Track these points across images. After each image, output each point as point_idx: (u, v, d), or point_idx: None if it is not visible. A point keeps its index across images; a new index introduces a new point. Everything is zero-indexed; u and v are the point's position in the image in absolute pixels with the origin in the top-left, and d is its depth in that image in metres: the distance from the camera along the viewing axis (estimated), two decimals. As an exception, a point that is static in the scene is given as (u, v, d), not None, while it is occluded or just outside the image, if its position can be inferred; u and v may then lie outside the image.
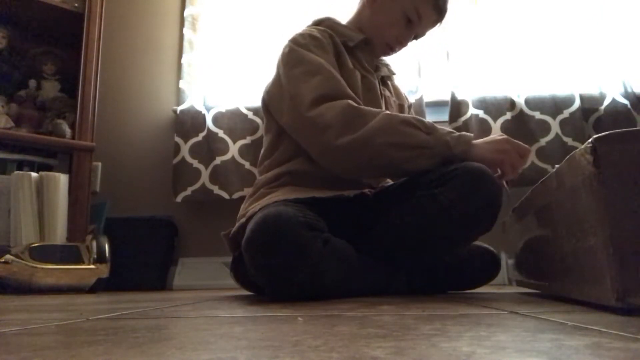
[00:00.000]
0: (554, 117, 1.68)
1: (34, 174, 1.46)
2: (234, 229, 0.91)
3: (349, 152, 0.86)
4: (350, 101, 0.90)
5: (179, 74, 1.91)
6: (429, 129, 0.86)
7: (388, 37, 1.07)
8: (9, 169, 1.55)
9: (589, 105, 1.70)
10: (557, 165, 0.60)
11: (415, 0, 1.03)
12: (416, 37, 1.10)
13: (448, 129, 0.88)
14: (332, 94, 0.90)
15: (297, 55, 0.96)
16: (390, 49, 1.10)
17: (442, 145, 0.84)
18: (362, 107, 0.89)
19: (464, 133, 0.87)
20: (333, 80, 0.93)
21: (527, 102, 1.71)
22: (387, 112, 0.89)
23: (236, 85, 1.86)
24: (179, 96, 1.86)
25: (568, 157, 0.53)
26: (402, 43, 1.09)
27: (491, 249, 1.00)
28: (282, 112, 0.97)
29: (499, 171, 0.86)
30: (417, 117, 0.90)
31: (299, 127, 0.93)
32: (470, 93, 1.73)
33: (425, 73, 1.78)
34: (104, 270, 1.40)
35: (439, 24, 1.09)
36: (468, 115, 1.70)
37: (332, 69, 0.95)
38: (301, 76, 0.93)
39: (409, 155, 0.85)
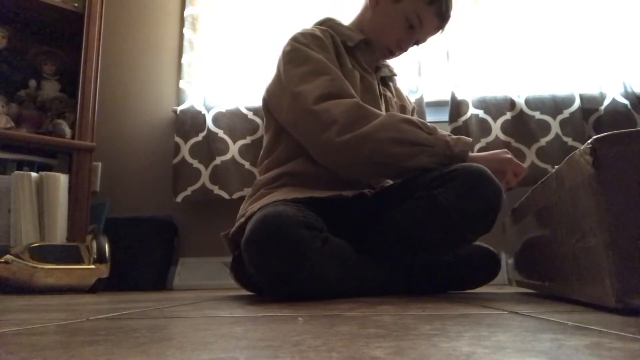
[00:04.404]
0: (554, 117, 1.68)
1: (34, 174, 1.46)
2: (233, 229, 0.92)
3: (349, 148, 0.86)
4: (358, 100, 0.90)
5: (179, 74, 1.91)
6: (430, 129, 0.88)
7: (388, 41, 1.07)
8: (9, 169, 1.55)
9: (589, 105, 1.70)
10: (556, 166, 0.60)
11: (417, 5, 1.02)
12: (417, 43, 1.10)
13: (447, 132, 0.91)
14: (338, 93, 0.91)
15: (301, 54, 0.96)
16: (390, 53, 1.09)
17: (443, 145, 0.86)
18: (369, 107, 0.90)
19: (462, 136, 0.89)
20: (340, 81, 0.93)
21: (527, 102, 1.71)
22: (390, 112, 0.89)
23: (236, 85, 1.86)
24: (179, 96, 1.86)
25: (567, 157, 0.53)
26: (402, 48, 1.09)
27: (491, 249, 1.00)
28: (282, 108, 0.97)
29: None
30: (419, 119, 0.91)
31: (301, 121, 0.92)
32: (470, 93, 1.73)
33: (425, 73, 1.78)
34: (104, 270, 1.40)
35: (441, 31, 1.09)
36: (468, 115, 1.70)
37: (337, 70, 0.95)
38: (306, 75, 0.93)
39: (410, 152, 0.85)
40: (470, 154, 0.88)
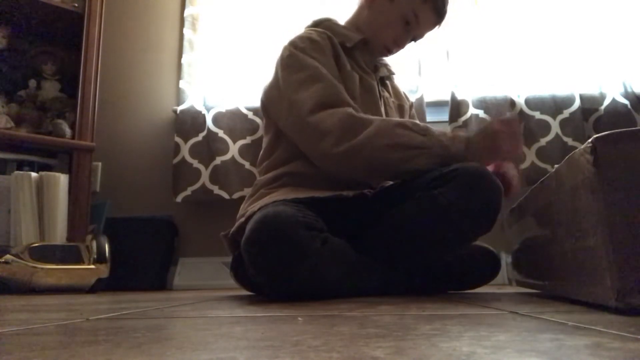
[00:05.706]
0: (554, 117, 1.68)
1: (34, 174, 1.46)
2: (233, 229, 0.92)
3: (346, 158, 0.87)
4: (350, 109, 0.90)
5: (179, 74, 1.91)
6: (424, 130, 0.87)
7: (385, 39, 1.07)
8: (9, 169, 1.55)
9: (589, 105, 1.70)
10: (556, 165, 0.60)
11: (413, 2, 1.02)
12: (414, 39, 1.10)
13: (441, 129, 0.90)
14: (332, 102, 0.91)
15: (297, 61, 0.97)
16: (388, 51, 1.10)
17: (439, 146, 0.86)
18: (361, 115, 0.90)
19: (457, 134, 0.89)
20: (334, 88, 0.93)
21: (527, 102, 1.71)
22: (383, 117, 0.89)
23: (236, 85, 1.86)
24: (179, 96, 1.86)
25: (568, 157, 0.53)
26: (399, 45, 1.09)
27: (491, 249, 1.00)
28: (280, 114, 0.98)
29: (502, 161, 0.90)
30: (412, 120, 0.91)
31: (299, 131, 0.93)
32: (470, 93, 1.73)
33: (425, 73, 1.78)
34: (104, 270, 1.40)
35: (438, 27, 1.09)
36: (468, 115, 1.70)
37: (332, 77, 0.95)
38: (302, 83, 0.94)
39: (407, 156, 0.85)
40: (468, 141, 0.87)
